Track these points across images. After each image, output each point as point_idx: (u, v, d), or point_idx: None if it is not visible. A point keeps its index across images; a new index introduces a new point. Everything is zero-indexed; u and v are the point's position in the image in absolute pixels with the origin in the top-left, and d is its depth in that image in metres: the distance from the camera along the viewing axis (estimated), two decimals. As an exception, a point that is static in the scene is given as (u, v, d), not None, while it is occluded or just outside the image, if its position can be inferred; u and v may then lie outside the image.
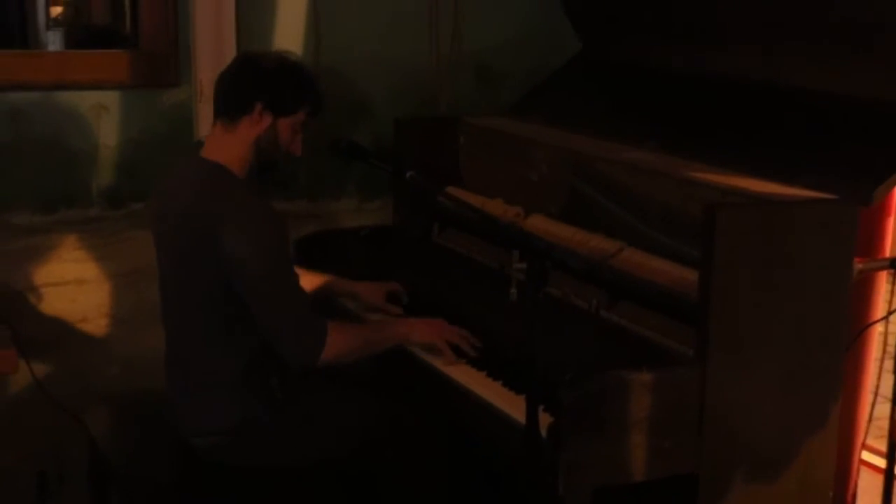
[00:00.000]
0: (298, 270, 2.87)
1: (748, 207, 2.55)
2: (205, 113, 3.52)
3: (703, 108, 3.17)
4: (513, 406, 2.60)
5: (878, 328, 3.13)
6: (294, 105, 2.87)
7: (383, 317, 3.22)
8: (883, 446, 2.96)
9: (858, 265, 2.60)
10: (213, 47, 3.54)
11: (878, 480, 3.04)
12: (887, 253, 3.08)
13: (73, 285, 3.54)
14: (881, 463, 3.16)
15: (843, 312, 2.60)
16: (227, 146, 2.86)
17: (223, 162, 2.85)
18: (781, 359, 2.53)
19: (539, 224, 3.14)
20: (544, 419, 2.40)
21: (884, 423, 2.91)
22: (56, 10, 4.07)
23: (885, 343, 3.19)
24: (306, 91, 2.90)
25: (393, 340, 2.96)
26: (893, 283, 2.90)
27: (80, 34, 3.99)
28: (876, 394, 3.12)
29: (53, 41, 3.97)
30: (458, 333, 2.95)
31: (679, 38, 3.29)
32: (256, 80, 2.87)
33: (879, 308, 3.09)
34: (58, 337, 3.53)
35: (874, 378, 3.12)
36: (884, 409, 2.98)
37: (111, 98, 3.52)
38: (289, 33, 3.70)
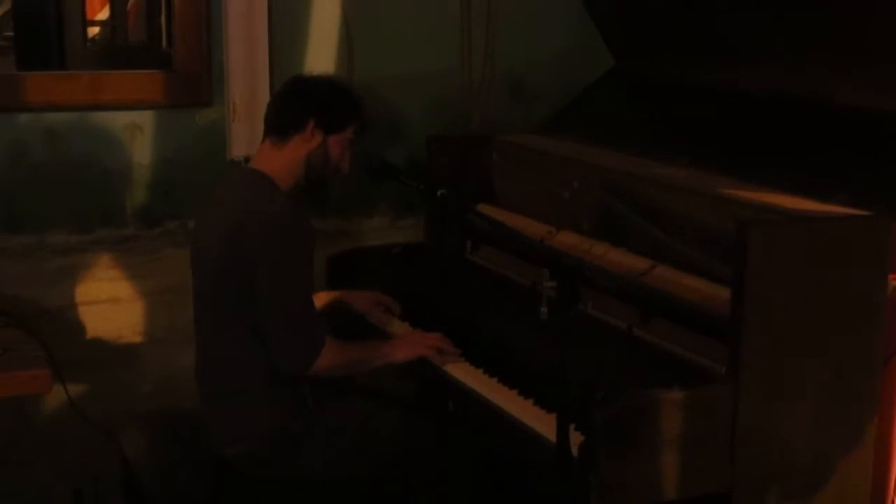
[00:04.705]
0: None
1: (780, 224, 2.53)
2: (238, 132, 3.55)
3: (736, 125, 3.15)
4: (544, 424, 2.58)
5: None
6: (344, 122, 3.02)
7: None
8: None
9: (894, 281, 2.57)
10: (246, 67, 3.56)
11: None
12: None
13: (108, 304, 3.56)
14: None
15: (878, 329, 2.55)
16: (275, 160, 2.98)
17: (267, 171, 2.96)
18: (815, 377, 2.51)
19: (571, 241, 3.13)
20: (576, 438, 2.39)
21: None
22: (93, 31, 4.11)
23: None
24: (355, 109, 3.06)
25: (379, 361, 3.03)
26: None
27: (118, 54, 4.02)
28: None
29: (90, 62, 4.00)
30: (434, 339, 3.04)
31: (711, 55, 3.27)
32: (309, 98, 3.01)
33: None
34: (92, 356, 3.54)
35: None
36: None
37: (145, 118, 3.54)
38: (321, 52, 3.71)
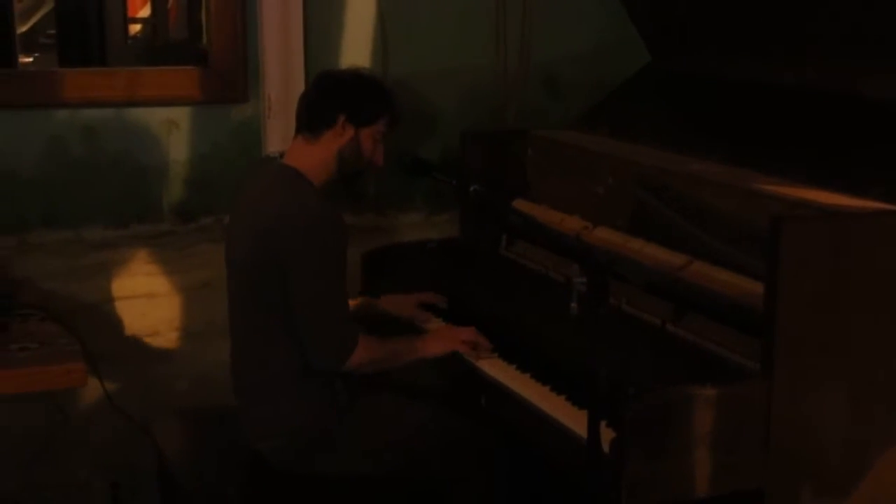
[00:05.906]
0: None
1: (814, 219, 2.51)
2: (273, 128, 3.56)
3: (772, 120, 3.12)
4: (576, 421, 2.58)
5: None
6: (374, 115, 3.01)
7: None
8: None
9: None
10: (281, 63, 3.57)
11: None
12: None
13: (144, 299, 3.58)
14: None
15: (914, 325, 2.53)
16: (307, 156, 2.99)
17: (300, 168, 2.97)
18: (850, 373, 2.48)
19: (606, 236, 3.11)
20: (607, 434, 2.37)
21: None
22: (134, 29, 4.13)
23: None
24: (385, 101, 3.05)
25: (411, 356, 3.03)
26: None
27: (159, 51, 4.04)
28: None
29: (131, 59, 4.03)
30: (467, 333, 3.04)
31: (747, 50, 3.24)
32: (338, 93, 3.01)
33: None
34: (128, 351, 3.57)
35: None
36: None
37: (181, 114, 3.56)
38: (356, 48, 3.72)
